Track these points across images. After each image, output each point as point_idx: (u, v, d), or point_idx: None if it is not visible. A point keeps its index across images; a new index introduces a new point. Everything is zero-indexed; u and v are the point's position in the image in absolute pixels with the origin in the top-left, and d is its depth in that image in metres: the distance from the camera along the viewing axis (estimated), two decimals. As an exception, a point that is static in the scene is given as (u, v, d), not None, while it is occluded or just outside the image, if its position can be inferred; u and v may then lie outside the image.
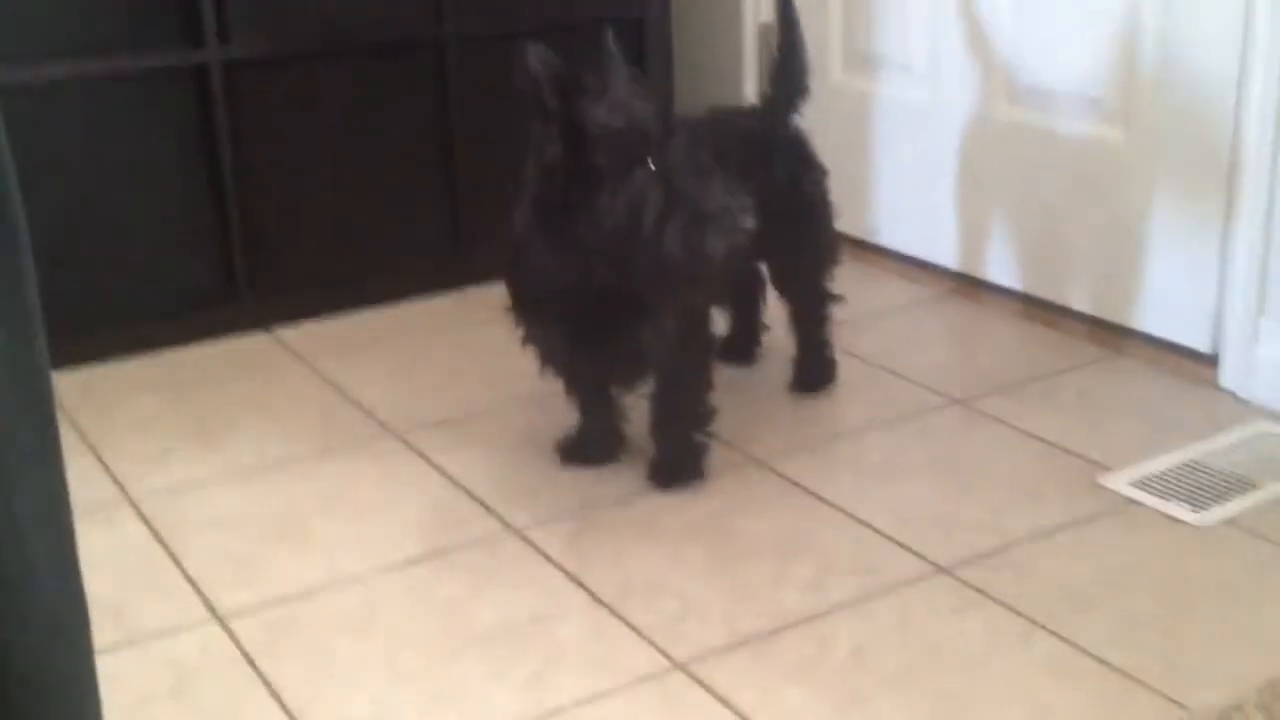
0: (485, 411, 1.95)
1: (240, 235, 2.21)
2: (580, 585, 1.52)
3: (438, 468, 1.80)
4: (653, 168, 1.49)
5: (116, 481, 1.78)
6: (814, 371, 1.99)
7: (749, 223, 1.49)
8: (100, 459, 1.84)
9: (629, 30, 2.51)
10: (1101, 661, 1.37)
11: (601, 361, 1.68)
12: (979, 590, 1.50)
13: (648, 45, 2.53)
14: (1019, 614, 1.46)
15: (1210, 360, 2.00)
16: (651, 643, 1.41)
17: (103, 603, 1.49)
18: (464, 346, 2.16)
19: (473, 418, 1.93)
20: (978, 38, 2.24)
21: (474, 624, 1.46)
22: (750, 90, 2.72)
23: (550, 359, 1.69)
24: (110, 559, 1.60)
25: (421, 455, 1.83)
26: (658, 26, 2.54)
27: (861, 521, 1.64)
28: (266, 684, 1.37)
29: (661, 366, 1.68)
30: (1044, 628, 1.43)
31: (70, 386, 2.05)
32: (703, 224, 1.47)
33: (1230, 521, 1.63)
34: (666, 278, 1.50)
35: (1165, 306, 2.04)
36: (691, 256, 1.48)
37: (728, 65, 2.74)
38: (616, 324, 1.61)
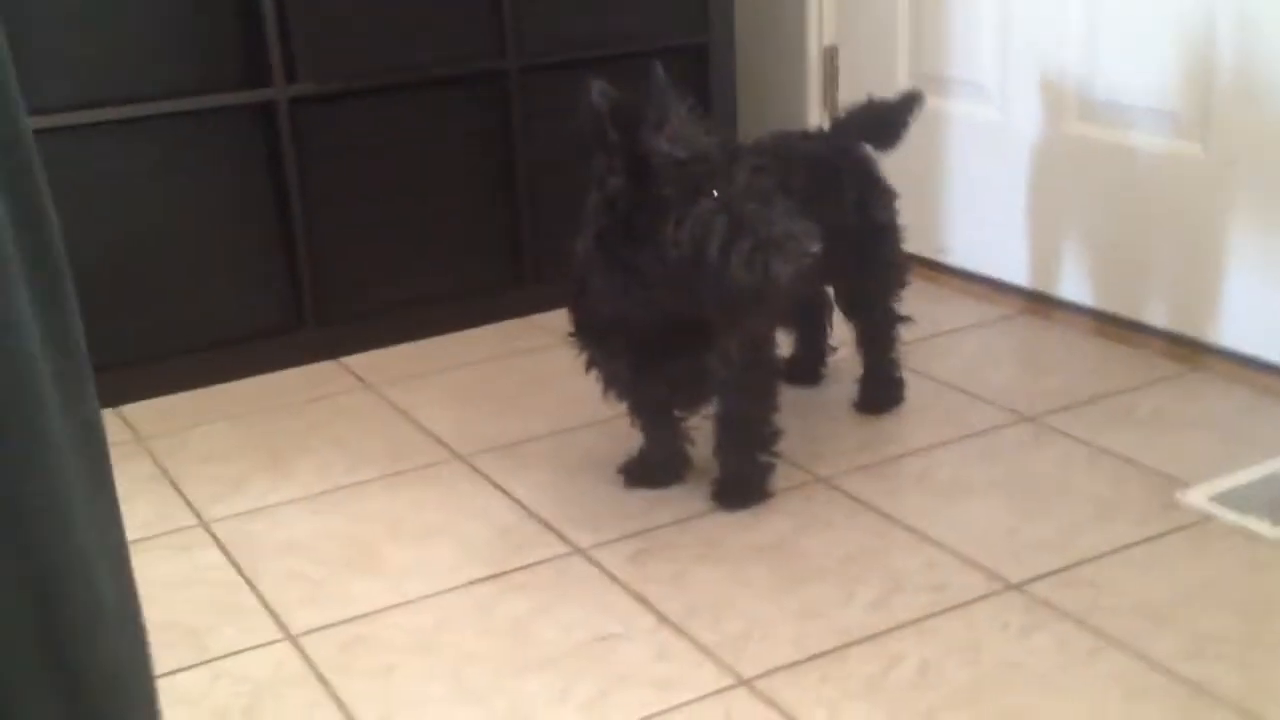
0: (548, 435, 1.96)
1: (307, 266, 2.25)
2: (645, 605, 1.52)
3: (503, 490, 1.81)
4: (716, 196, 1.49)
5: (192, 508, 1.81)
6: (881, 392, 1.97)
7: (814, 247, 1.48)
8: (176, 487, 1.87)
9: (693, 57, 2.53)
10: (1175, 677, 1.34)
11: (666, 385, 1.68)
12: (1050, 606, 1.47)
13: (711, 71, 2.55)
14: (1091, 630, 1.43)
15: (1290, 374, 1.95)
16: (717, 660, 1.41)
17: (180, 625, 1.53)
18: (526, 372, 2.17)
19: (536, 441, 1.94)
20: (1048, 54, 2.22)
21: (539, 644, 1.46)
22: (815, 114, 2.72)
23: (614, 383, 1.69)
24: (188, 584, 1.63)
25: (486, 479, 1.84)
26: (721, 52, 2.55)
27: (930, 540, 1.62)
28: (338, 701, 1.39)
29: (726, 388, 1.68)
30: (1117, 644, 1.40)
31: (145, 416, 2.09)
32: (767, 249, 1.47)
33: (1311, 536, 1.59)
34: (733, 303, 1.51)
35: (1242, 320, 2.00)
36: (757, 282, 1.48)
37: (792, 90, 2.75)
38: (681, 348, 1.62)
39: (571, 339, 1.68)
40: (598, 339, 1.65)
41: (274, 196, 2.22)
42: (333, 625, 1.52)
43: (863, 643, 1.42)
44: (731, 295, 1.49)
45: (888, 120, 1.92)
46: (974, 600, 1.49)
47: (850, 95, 2.62)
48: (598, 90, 1.51)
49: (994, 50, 2.33)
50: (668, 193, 1.48)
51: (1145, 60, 2.07)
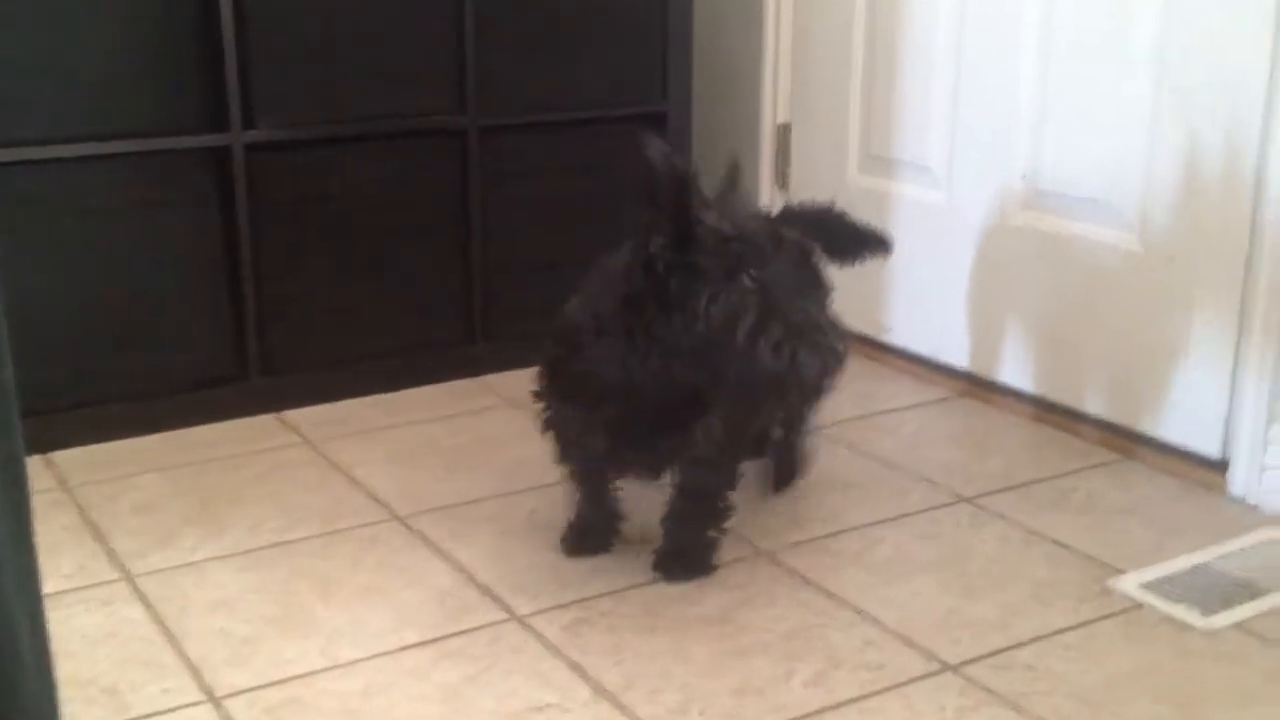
0: (491, 498, 1.94)
1: (254, 316, 2.23)
2: (582, 675, 1.50)
3: (442, 554, 1.79)
4: (754, 277, 1.47)
5: (117, 561, 1.77)
6: (783, 469, 1.98)
7: (843, 347, 1.49)
8: (102, 538, 1.83)
9: (650, 124, 2.55)
10: (1110, 766, 1.35)
11: (639, 455, 1.66)
12: (986, 689, 1.48)
13: (668, 140, 2.57)
14: (1025, 714, 1.43)
15: (1221, 466, 1.99)
16: (653, 735, 1.39)
17: (100, 682, 1.48)
18: (472, 433, 2.16)
19: (478, 504, 1.93)
20: (996, 142, 2.27)
21: (473, 713, 1.44)
22: (766, 189, 2.75)
23: (575, 447, 1.68)
24: (108, 639, 1.58)
25: (426, 541, 1.82)
26: (678, 122, 2.58)
27: (869, 617, 1.63)
28: (260, 767, 1.35)
29: (695, 462, 1.66)
30: (1052, 730, 1.41)
31: (76, 464, 2.05)
32: (797, 341, 1.46)
33: (1239, 626, 1.61)
34: (754, 389, 1.50)
35: (1177, 412, 2.04)
36: (782, 371, 1.46)
37: (745, 163, 2.77)
38: (671, 421, 1.59)
39: (537, 397, 1.67)
40: (577, 402, 1.62)
41: (224, 243, 2.20)
42: (260, 687, 1.48)
43: (800, 721, 1.42)
44: (754, 380, 1.47)
45: (846, 241, 1.91)
46: (912, 680, 1.50)
47: (802, 172, 2.67)
48: (657, 150, 1.46)
49: (943, 135, 2.38)
50: (708, 266, 1.46)
51: (1090, 152, 2.12)
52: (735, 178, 1.61)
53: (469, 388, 2.35)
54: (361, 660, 1.54)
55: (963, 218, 2.34)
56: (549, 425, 1.68)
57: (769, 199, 2.76)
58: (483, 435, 2.14)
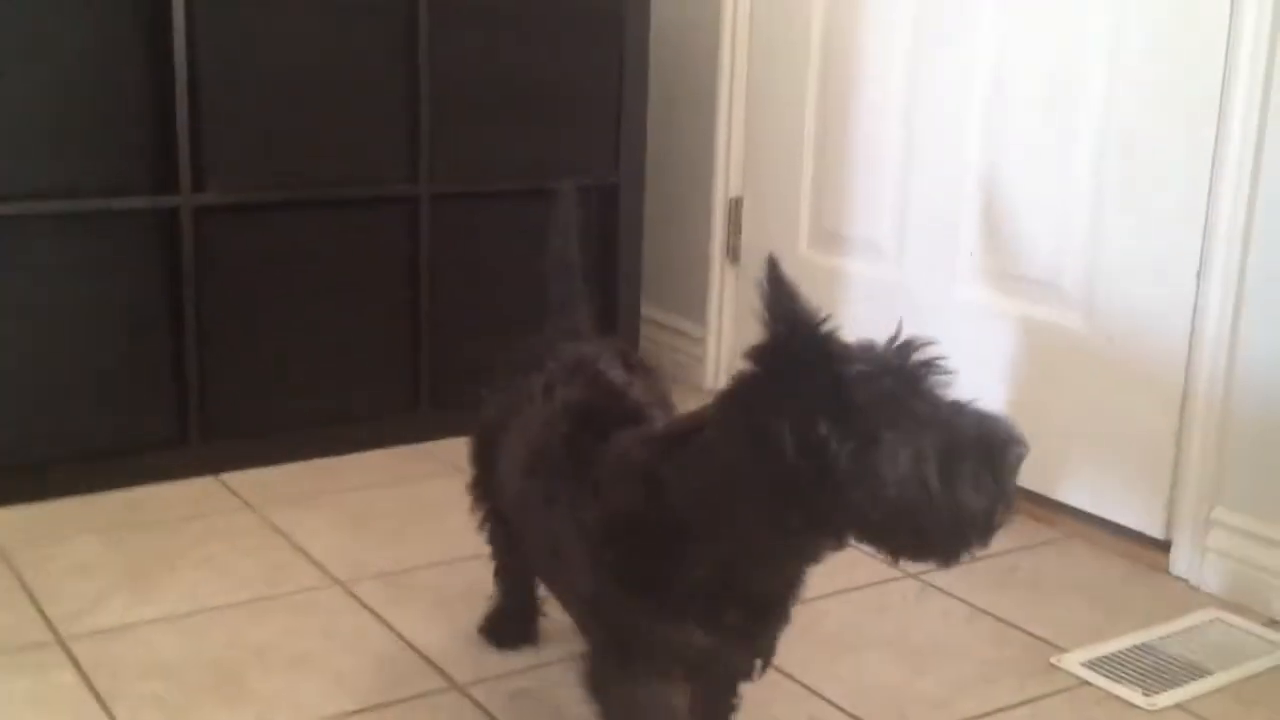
0: (433, 565, 1.91)
1: (196, 379, 2.20)
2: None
3: (381, 620, 1.76)
4: (916, 412, 1.13)
5: (50, 624, 1.72)
6: None
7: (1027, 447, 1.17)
8: (35, 601, 1.78)
9: (603, 196, 2.57)
10: (1054, 846, 1.34)
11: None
12: (930, 768, 1.47)
13: (620, 212, 2.59)
14: (970, 794, 1.42)
15: (1164, 546, 2.00)
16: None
17: (23, 748, 1.44)
18: (414, 500, 2.14)
19: (420, 571, 1.90)
20: (944, 221, 2.31)
21: (409, 784, 1.41)
22: (717, 263, 2.77)
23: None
24: (38, 704, 1.54)
25: (365, 607, 1.79)
26: (631, 194, 2.59)
27: (815, 693, 1.61)
28: (187, 840, 1.31)
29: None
30: (996, 809, 1.40)
31: (12, 524, 2.00)
32: (993, 461, 1.14)
33: (1180, 706, 1.61)
34: (959, 541, 1.14)
35: (1120, 491, 2.06)
36: (988, 507, 1.14)
37: (697, 237, 2.80)
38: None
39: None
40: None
41: (169, 305, 2.18)
42: (192, 756, 1.45)
43: (743, 797, 1.40)
44: (961, 530, 1.13)
45: None
46: (855, 757, 1.48)
47: (753, 246, 2.69)
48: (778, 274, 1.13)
49: (893, 212, 2.41)
50: (875, 421, 1.10)
51: (1035, 232, 2.16)
52: (780, 277, 1.15)
53: (412, 453, 2.32)
54: (294, 730, 1.50)
55: (911, 294, 2.36)
56: (488, 522, 1.63)
57: (719, 273, 2.78)
58: (425, 502, 2.12)
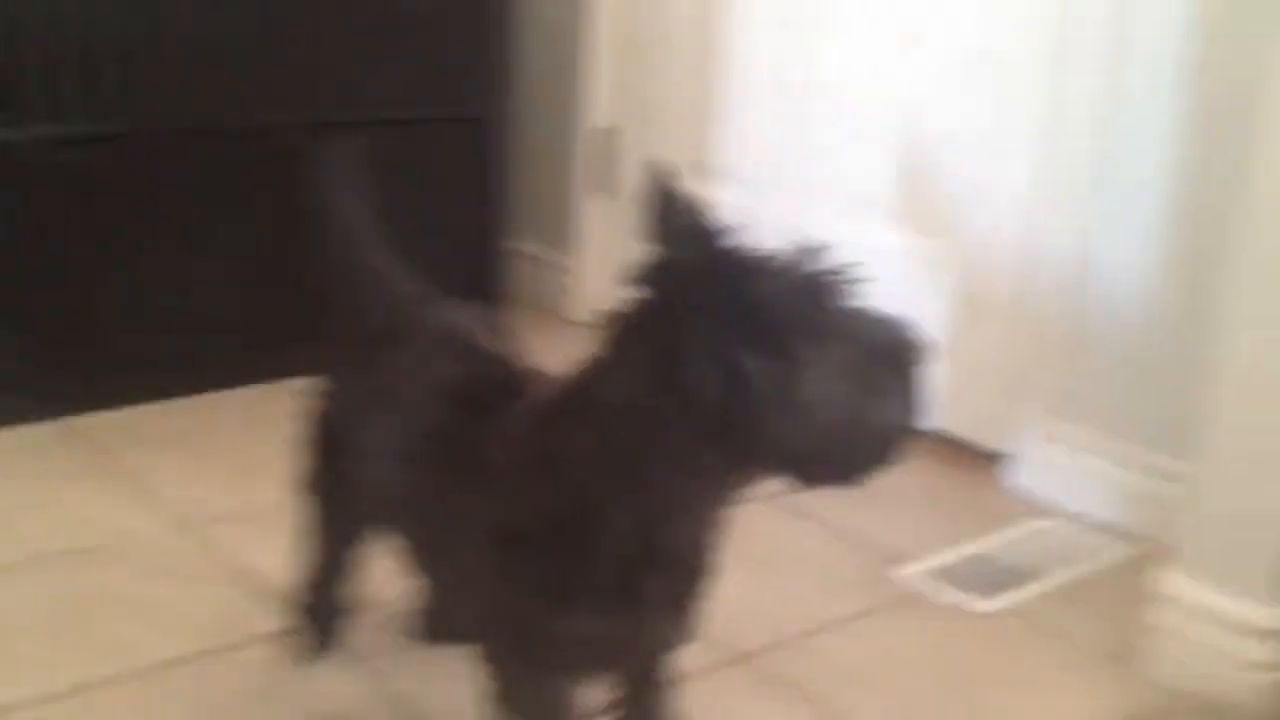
0: (283, 507, 1.90)
1: (38, 321, 2.14)
2: (379, 676, 1.50)
3: (234, 561, 1.75)
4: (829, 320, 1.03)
5: (-112, 575, 1.69)
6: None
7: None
8: (-128, 552, 1.74)
9: (469, 127, 2.55)
10: (885, 744, 1.41)
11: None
12: (773, 675, 1.53)
13: (486, 146, 2.57)
14: (811, 698, 1.49)
15: (1001, 458, 2.09)
16: (445, 734, 1.40)
17: None
18: (270, 440, 2.11)
19: (274, 512, 1.89)
20: (814, 153, 2.35)
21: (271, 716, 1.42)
22: (585, 194, 2.77)
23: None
24: None
25: (219, 548, 1.79)
26: (498, 127, 2.57)
27: (663, 612, 1.66)
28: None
29: None
30: (833, 712, 1.46)
31: None
32: (904, 370, 1.05)
33: (1012, 610, 1.70)
34: (879, 456, 1.06)
35: (961, 407, 2.13)
36: (903, 420, 1.06)
37: (566, 170, 2.80)
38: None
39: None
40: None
41: (14, 242, 2.11)
42: (37, 701, 1.44)
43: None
44: (880, 446, 1.05)
45: None
46: (706, 669, 1.53)
47: (625, 176, 2.69)
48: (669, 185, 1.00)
49: (756, 143, 2.45)
50: (795, 341, 0.99)
51: (897, 159, 2.21)
52: (672, 189, 1.02)
53: (270, 392, 2.30)
54: (143, 671, 1.50)
55: (782, 224, 2.39)
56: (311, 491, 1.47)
57: (588, 203, 2.79)
58: (282, 441, 2.09)
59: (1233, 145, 1.45)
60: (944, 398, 2.11)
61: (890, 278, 2.13)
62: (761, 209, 2.43)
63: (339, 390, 1.40)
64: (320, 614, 1.52)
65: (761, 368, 0.98)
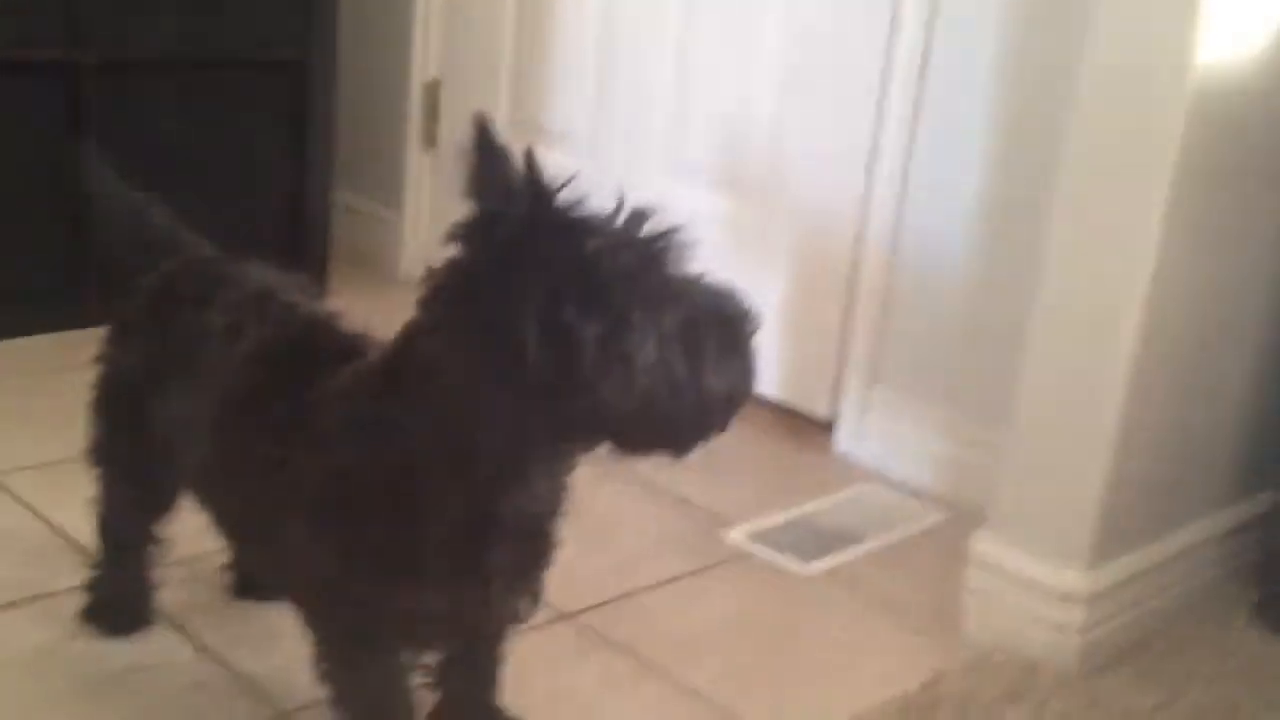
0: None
1: None
2: (187, 636, 1.44)
3: (35, 512, 1.67)
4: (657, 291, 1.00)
5: None
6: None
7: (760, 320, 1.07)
8: None
9: (290, 73, 2.46)
10: (710, 702, 1.42)
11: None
12: (599, 635, 1.53)
13: (311, 91, 2.48)
14: (635, 657, 1.49)
15: (828, 425, 2.13)
16: (255, 694, 1.36)
17: None
18: (76, 389, 2.01)
19: (78, 463, 1.80)
20: (639, 116, 2.33)
21: (66, 675, 1.36)
22: (414, 148, 2.71)
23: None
24: None
25: (19, 501, 1.70)
26: (321, 73, 2.49)
27: (488, 571, 1.64)
28: None
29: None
30: (659, 671, 1.47)
31: None
32: (735, 337, 1.04)
33: (832, 572, 1.73)
34: (704, 425, 1.05)
35: (790, 374, 2.17)
36: (735, 387, 1.04)
37: (391, 120, 2.74)
38: None
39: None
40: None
41: None
42: None
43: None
44: (706, 415, 1.04)
45: None
46: (528, 629, 1.52)
47: (450, 132, 2.65)
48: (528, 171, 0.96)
49: (589, 104, 2.42)
50: (623, 301, 0.97)
51: (723, 125, 2.22)
52: (492, 141, 0.99)
53: (74, 339, 2.18)
54: (-69, 628, 1.42)
55: (608, 185, 2.38)
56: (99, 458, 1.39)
57: (415, 157, 2.73)
58: (85, 391, 2.00)
59: (1047, 111, 1.50)
60: (775, 366, 2.16)
61: (717, 243, 2.20)
62: (590, 169, 2.41)
63: (134, 354, 1.32)
64: (120, 593, 1.44)
65: (590, 327, 0.95)
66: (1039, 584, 1.52)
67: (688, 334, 1.00)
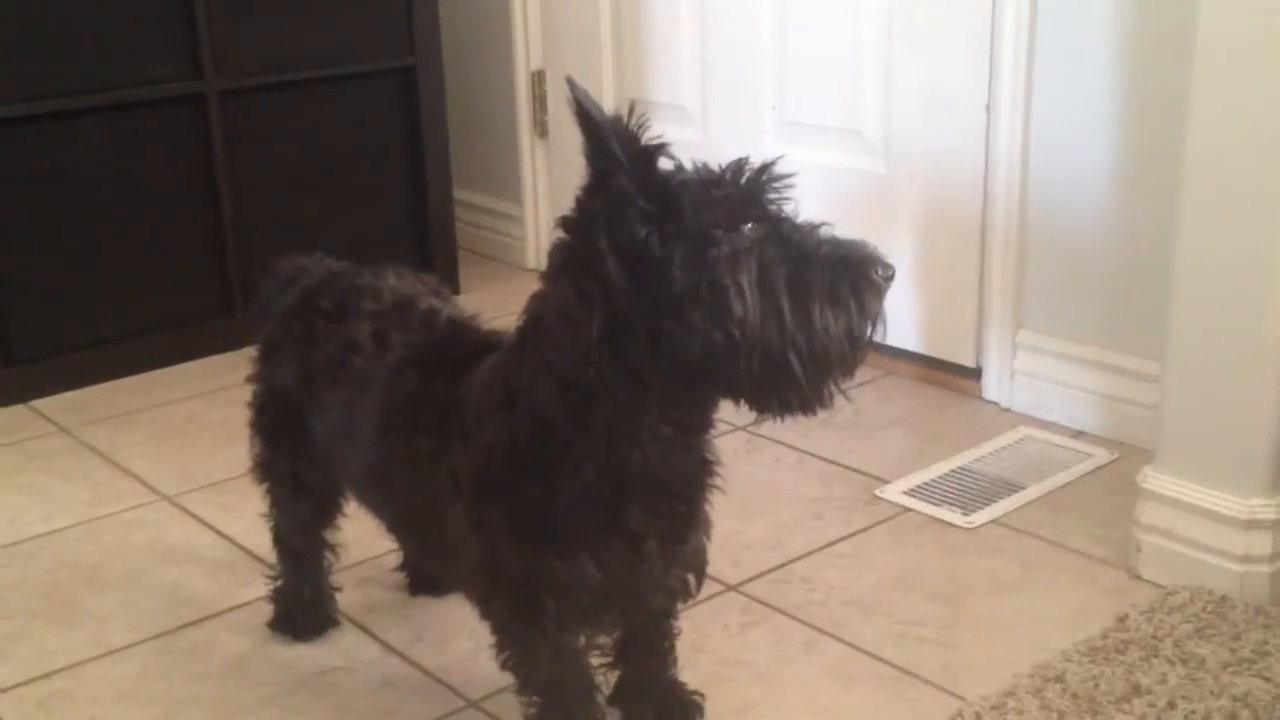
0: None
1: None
2: (371, 635, 1.49)
3: (211, 528, 1.73)
4: (756, 228, 1.01)
5: None
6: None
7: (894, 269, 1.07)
8: None
9: (400, 80, 2.51)
10: (882, 661, 1.41)
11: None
12: (766, 604, 1.53)
13: (420, 95, 2.53)
14: (804, 623, 1.49)
15: (974, 374, 2.09)
16: (444, 683, 1.39)
17: None
18: (235, 407, 2.08)
19: (245, 478, 1.86)
20: (744, 80, 2.32)
21: (260, 682, 1.41)
22: (525, 138, 2.74)
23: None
24: None
25: (194, 518, 1.76)
26: (429, 76, 2.53)
27: (650, 549, 1.65)
28: (31, 765, 1.29)
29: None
30: (828, 635, 1.46)
31: None
32: (858, 282, 1.03)
33: (997, 521, 1.70)
34: (821, 372, 1.03)
35: (930, 326, 2.13)
36: (854, 330, 1.03)
37: (502, 114, 2.76)
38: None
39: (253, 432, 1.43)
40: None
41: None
42: (27, 682, 1.42)
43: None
44: (820, 355, 1.01)
45: None
46: (697, 603, 1.53)
47: (560, 118, 2.66)
48: (591, 102, 1.01)
49: (694, 75, 2.41)
50: (716, 233, 0.98)
51: (833, 81, 2.19)
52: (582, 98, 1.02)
53: (229, 361, 2.26)
54: (134, 644, 1.48)
55: (719, 152, 2.36)
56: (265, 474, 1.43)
57: (529, 149, 2.75)
58: (246, 408, 2.07)
59: (1176, 45, 1.44)
60: (914, 318, 2.13)
61: (839, 199, 2.17)
62: (700, 138, 2.41)
63: (285, 371, 1.35)
64: (303, 600, 1.48)
65: (663, 243, 0.97)
66: (1219, 515, 1.48)
67: (789, 265, 1.00)
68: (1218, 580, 1.48)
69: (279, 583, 1.49)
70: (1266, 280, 1.40)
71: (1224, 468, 1.47)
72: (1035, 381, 2.01)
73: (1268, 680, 1.33)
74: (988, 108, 1.98)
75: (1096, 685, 1.32)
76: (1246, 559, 1.47)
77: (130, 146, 2.22)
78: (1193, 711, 1.28)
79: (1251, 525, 1.46)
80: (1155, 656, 1.37)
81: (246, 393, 1.43)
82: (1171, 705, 1.29)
